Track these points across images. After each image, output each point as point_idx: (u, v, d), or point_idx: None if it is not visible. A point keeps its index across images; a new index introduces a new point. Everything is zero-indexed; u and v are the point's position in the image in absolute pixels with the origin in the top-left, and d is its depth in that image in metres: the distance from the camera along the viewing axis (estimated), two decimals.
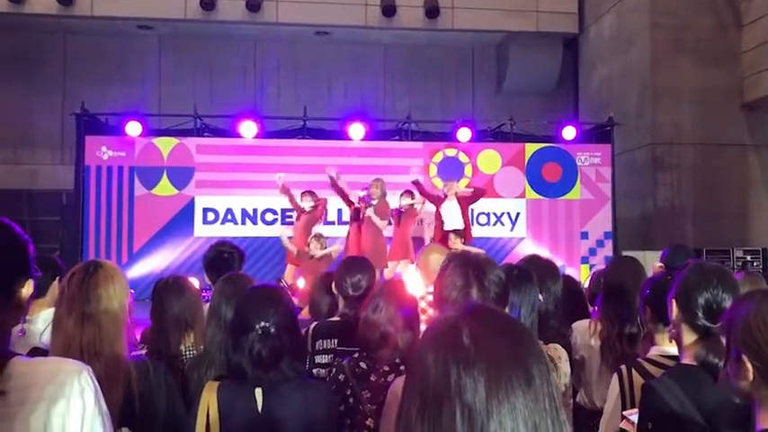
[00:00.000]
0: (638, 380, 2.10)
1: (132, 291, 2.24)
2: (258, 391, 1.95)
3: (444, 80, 13.17)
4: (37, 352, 2.11)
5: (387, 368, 2.43)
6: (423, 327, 2.63)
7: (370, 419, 2.37)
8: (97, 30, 11.97)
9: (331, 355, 2.95)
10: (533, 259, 3.07)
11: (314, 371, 2.91)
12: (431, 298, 3.47)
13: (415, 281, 3.84)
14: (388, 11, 11.78)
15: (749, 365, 1.37)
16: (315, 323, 3.18)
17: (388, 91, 12.99)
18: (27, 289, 1.40)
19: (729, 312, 1.49)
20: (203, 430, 1.91)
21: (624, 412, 2.05)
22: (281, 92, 12.60)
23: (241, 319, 2.03)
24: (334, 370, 2.51)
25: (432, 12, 11.84)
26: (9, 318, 1.39)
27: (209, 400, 1.93)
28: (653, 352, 2.27)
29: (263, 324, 1.96)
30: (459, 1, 12.01)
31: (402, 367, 2.42)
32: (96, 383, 1.39)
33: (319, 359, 2.96)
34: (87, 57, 12.17)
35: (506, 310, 2.00)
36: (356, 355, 2.51)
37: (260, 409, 1.94)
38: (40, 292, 2.14)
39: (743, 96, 10.48)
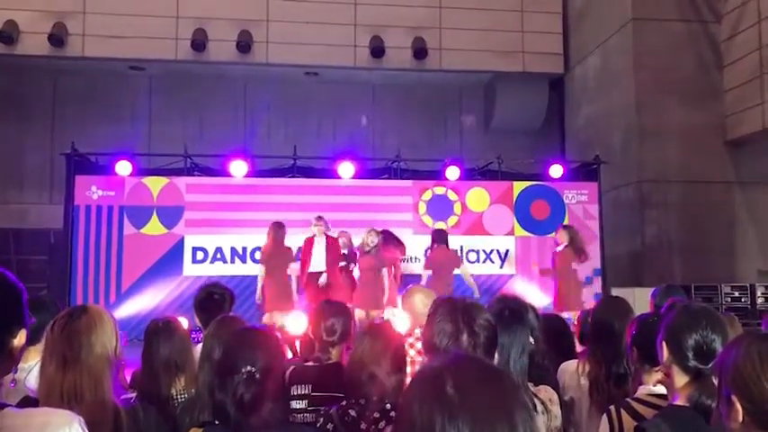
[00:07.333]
0: (627, 419, 2.10)
1: (124, 332, 2.21)
2: None
3: (433, 119, 13.31)
4: (28, 402, 2.09)
5: (377, 415, 2.38)
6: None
7: None
8: (88, 70, 12.04)
9: (306, 401, 2.91)
10: (503, 298, 2.96)
11: (289, 417, 2.85)
12: (416, 343, 3.44)
13: (402, 322, 3.82)
14: (377, 52, 11.96)
15: (739, 406, 1.38)
16: (292, 367, 3.14)
17: (377, 130, 13.10)
18: (20, 339, 1.37)
19: (721, 355, 1.52)
20: None
21: None
22: (270, 131, 12.67)
23: (228, 361, 2.01)
24: (321, 420, 2.45)
25: (420, 53, 12.04)
26: (0, 368, 1.36)
27: None
28: (641, 391, 2.27)
29: (248, 368, 1.95)
30: (447, 42, 12.22)
31: (393, 414, 2.36)
32: None
33: (294, 404, 2.91)
34: (78, 96, 12.22)
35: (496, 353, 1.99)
36: (344, 402, 2.47)
37: None
38: (35, 337, 2.11)
39: (726, 134, 10.64)
